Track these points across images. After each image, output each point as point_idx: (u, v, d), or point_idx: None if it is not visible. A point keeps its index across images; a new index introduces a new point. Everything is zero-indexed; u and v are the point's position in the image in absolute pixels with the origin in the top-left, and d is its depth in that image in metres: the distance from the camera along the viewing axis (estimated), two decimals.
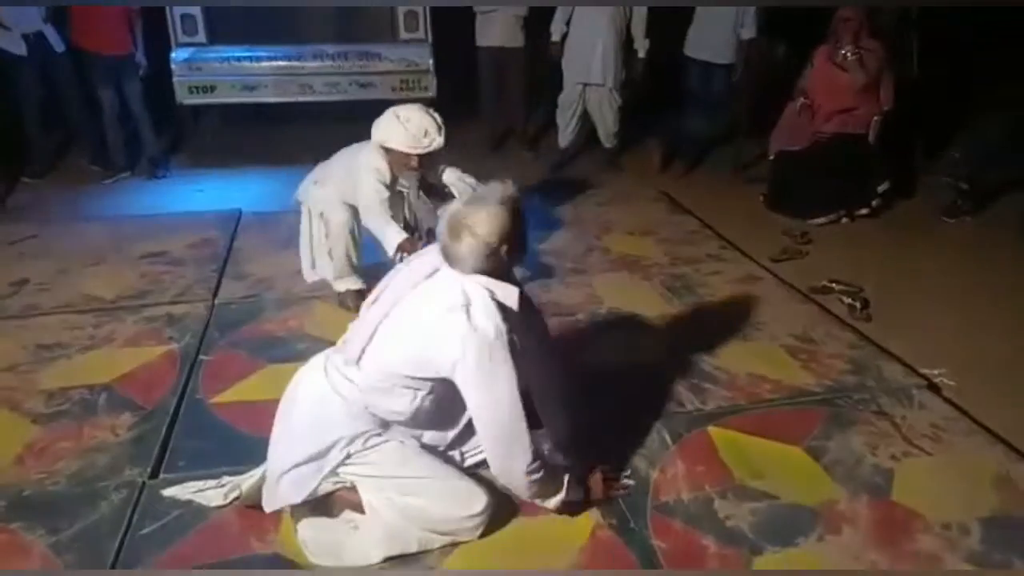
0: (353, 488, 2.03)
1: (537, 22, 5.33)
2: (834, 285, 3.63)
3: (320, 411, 1.96)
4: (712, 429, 2.53)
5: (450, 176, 3.36)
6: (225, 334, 3.13)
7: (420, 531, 1.99)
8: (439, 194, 3.39)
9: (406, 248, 2.99)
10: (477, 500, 1.99)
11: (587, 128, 5.52)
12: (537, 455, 1.92)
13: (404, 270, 2.00)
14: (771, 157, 4.85)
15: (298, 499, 1.96)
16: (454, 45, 5.61)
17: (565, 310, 3.40)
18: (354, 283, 3.36)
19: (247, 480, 2.14)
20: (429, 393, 1.92)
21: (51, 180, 5.20)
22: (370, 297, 2.01)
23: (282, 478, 1.97)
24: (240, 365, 2.88)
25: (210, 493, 2.16)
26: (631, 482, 2.27)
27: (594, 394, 2.73)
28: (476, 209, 1.83)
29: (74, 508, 2.13)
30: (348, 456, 1.94)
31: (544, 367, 2.16)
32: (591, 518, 2.15)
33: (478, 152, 5.73)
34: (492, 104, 5.78)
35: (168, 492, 2.19)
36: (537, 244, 4.09)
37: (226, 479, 2.19)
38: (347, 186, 3.24)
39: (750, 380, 2.84)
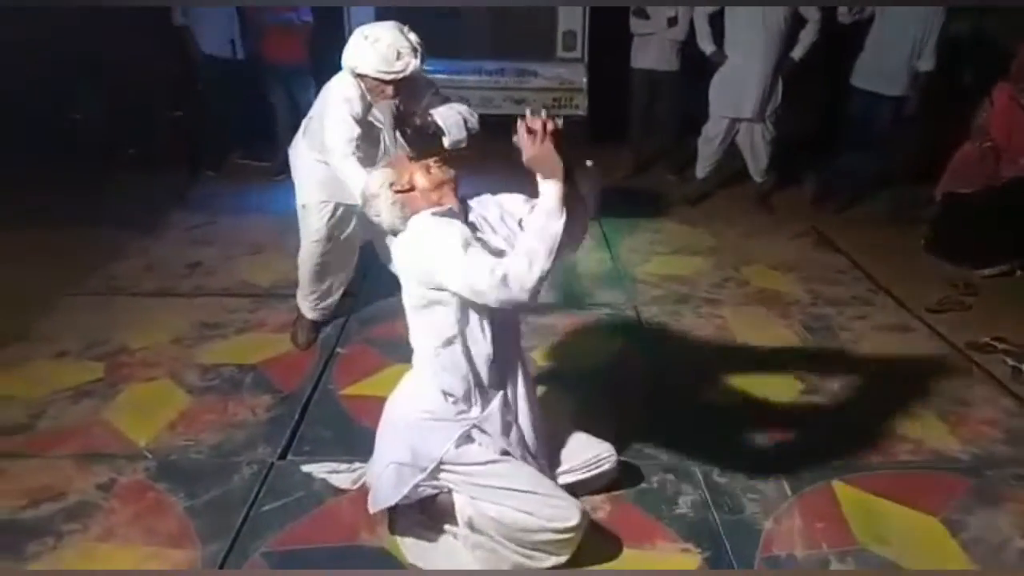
0: (449, 493, 2.06)
1: (694, 47, 5.21)
2: (997, 344, 3.28)
3: (408, 410, 2.03)
4: (837, 484, 2.39)
5: (443, 111, 2.65)
6: (363, 329, 3.32)
7: (514, 551, 2.00)
8: (423, 135, 2.65)
9: None
10: (571, 515, 1.96)
11: (732, 160, 5.24)
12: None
13: None
14: (938, 199, 4.48)
15: (395, 499, 2.00)
16: (609, 66, 5.62)
17: (693, 341, 3.31)
18: (309, 310, 3.21)
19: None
20: (441, 335, 1.89)
21: (228, 176, 5.67)
22: None
23: (381, 475, 2.04)
24: (371, 361, 3.03)
25: (342, 476, 2.31)
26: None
27: (711, 430, 2.65)
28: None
29: (210, 477, 2.34)
30: (442, 460, 1.98)
31: None
32: (696, 558, 2.09)
33: (624, 173, 5.70)
34: (642, 126, 5.74)
35: (306, 468, 2.36)
36: (671, 270, 4.04)
37: (357, 465, 2.31)
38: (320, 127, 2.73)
39: (887, 437, 2.65)
